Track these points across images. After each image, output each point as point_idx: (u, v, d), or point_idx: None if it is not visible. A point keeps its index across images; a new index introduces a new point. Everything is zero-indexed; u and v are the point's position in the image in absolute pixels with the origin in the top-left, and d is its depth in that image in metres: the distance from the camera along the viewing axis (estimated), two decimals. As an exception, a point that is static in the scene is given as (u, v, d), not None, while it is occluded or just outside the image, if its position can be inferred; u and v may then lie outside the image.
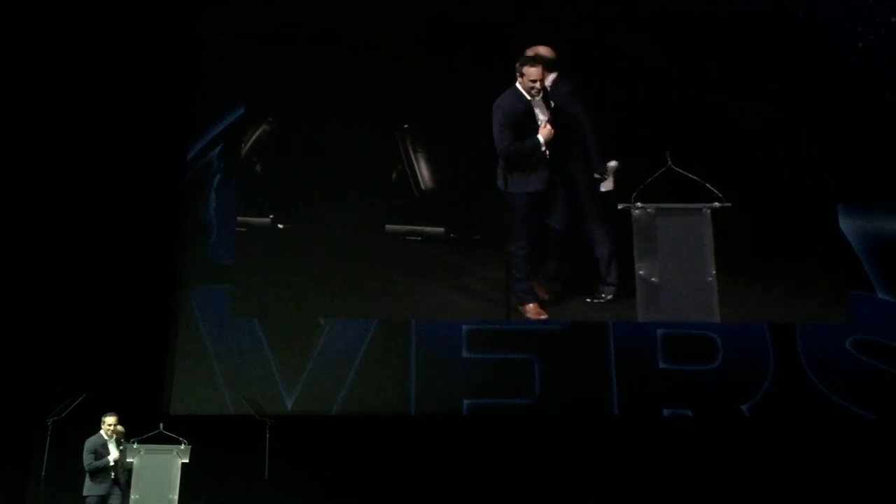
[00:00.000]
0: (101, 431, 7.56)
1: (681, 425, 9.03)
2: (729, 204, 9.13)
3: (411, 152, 9.63)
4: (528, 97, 9.34)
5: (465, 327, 9.17)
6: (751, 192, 9.47)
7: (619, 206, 9.25)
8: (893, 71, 9.90)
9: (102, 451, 7.46)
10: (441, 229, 9.49)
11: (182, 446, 7.30)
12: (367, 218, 9.45)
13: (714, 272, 9.15)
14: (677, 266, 9.17)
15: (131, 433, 7.57)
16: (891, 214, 9.59)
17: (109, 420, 7.58)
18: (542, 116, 9.33)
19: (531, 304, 9.26)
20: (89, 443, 7.52)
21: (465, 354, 9.12)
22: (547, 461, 8.71)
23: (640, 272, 9.21)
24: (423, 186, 9.59)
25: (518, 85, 9.40)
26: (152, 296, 9.13)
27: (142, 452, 7.24)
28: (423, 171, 9.60)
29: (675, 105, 9.66)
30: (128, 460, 7.31)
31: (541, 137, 9.28)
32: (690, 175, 9.20)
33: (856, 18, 10.02)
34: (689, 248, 9.17)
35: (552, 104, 9.31)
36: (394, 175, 9.60)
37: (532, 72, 9.33)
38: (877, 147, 9.72)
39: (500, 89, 9.51)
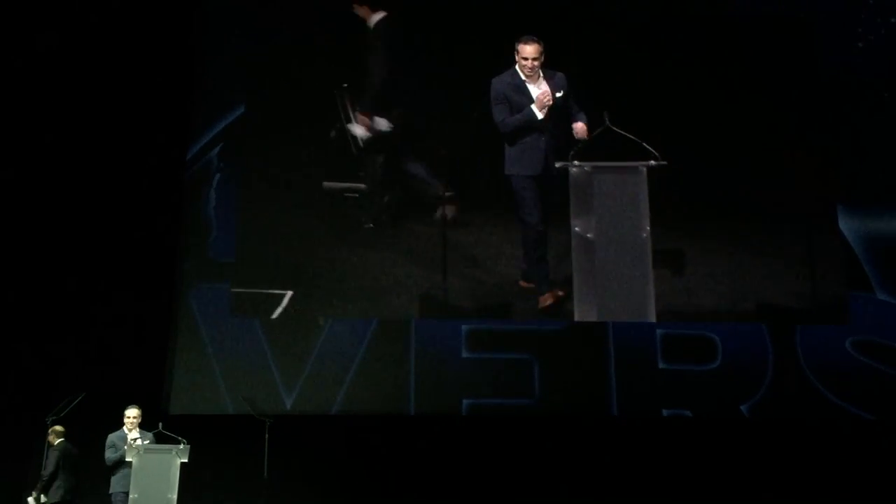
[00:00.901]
0: (124, 426, 7.57)
1: (680, 425, 9.03)
2: (665, 162, 8.98)
3: (350, 111, 9.69)
4: (523, 76, 9.31)
5: (464, 327, 9.18)
6: (750, 191, 9.48)
7: (557, 165, 9.18)
8: (893, 71, 9.90)
9: (121, 444, 7.44)
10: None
11: (181, 446, 7.26)
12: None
13: (648, 229, 9.05)
14: (612, 222, 9.05)
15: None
16: (891, 215, 9.58)
17: (129, 413, 7.57)
18: (538, 92, 9.30)
19: (547, 294, 9.26)
20: (109, 438, 7.52)
21: (464, 354, 9.12)
22: (546, 461, 8.71)
23: (576, 228, 9.15)
24: (361, 145, 9.66)
25: (517, 66, 9.38)
26: (152, 295, 9.14)
27: (141, 452, 7.23)
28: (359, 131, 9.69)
29: (674, 105, 9.63)
30: (127, 458, 7.28)
31: (534, 107, 9.23)
32: (627, 134, 9.07)
33: (856, 19, 10.01)
34: (625, 204, 9.06)
35: (560, 93, 9.26)
36: (332, 133, 9.68)
37: (526, 49, 9.29)
38: (876, 147, 9.72)
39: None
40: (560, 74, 9.39)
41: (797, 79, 9.86)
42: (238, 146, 9.65)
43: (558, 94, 9.29)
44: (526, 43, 9.30)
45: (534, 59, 9.27)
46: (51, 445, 7.75)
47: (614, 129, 9.06)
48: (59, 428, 7.80)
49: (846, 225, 9.54)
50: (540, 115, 9.26)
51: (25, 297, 9.07)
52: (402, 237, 9.45)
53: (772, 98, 9.79)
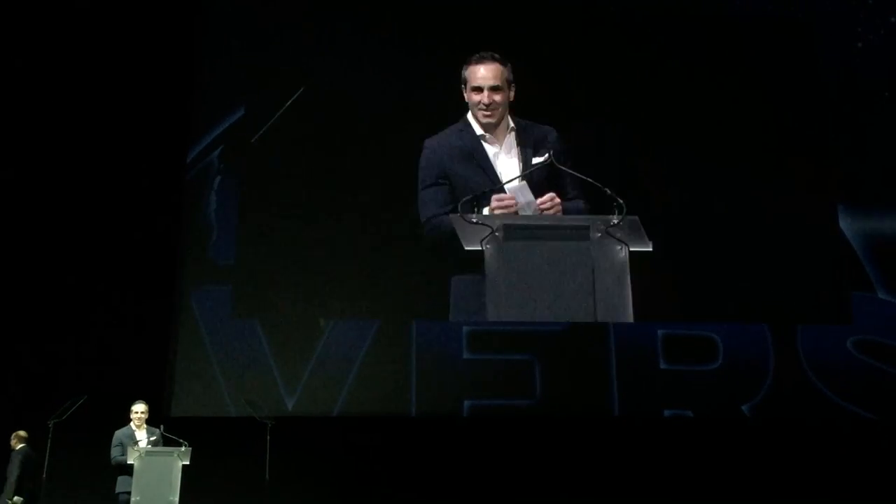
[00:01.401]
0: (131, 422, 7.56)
1: (681, 426, 9.03)
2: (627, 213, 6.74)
3: None
4: (477, 126, 6.03)
5: (465, 328, 9.16)
6: (750, 191, 9.49)
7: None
8: (893, 71, 9.91)
9: (128, 441, 7.42)
10: None
11: (183, 448, 7.26)
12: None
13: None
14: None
15: (131, 434, 7.59)
16: (891, 214, 9.59)
17: (136, 408, 7.57)
18: (501, 163, 6.16)
19: None
20: (116, 435, 7.51)
21: (465, 356, 9.12)
22: (547, 461, 8.71)
23: None
24: None
25: (468, 114, 6.34)
26: (153, 297, 9.13)
27: (142, 454, 7.22)
28: None
29: (673, 106, 9.63)
30: (129, 461, 7.25)
31: (487, 211, 5.77)
32: (588, 178, 7.03)
33: (855, 19, 10.02)
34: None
35: (545, 156, 6.50)
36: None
37: (478, 73, 5.65)
38: (876, 147, 9.73)
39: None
40: (548, 129, 7.44)
41: (797, 79, 9.86)
42: (239, 148, 9.64)
43: (540, 160, 6.53)
44: (478, 63, 6.40)
45: (491, 89, 6.11)
46: (12, 449, 7.75)
47: (560, 167, 7.08)
48: (22, 433, 7.84)
49: (846, 225, 9.54)
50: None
51: (25, 297, 9.06)
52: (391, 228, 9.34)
53: (772, 98, 9.79)
